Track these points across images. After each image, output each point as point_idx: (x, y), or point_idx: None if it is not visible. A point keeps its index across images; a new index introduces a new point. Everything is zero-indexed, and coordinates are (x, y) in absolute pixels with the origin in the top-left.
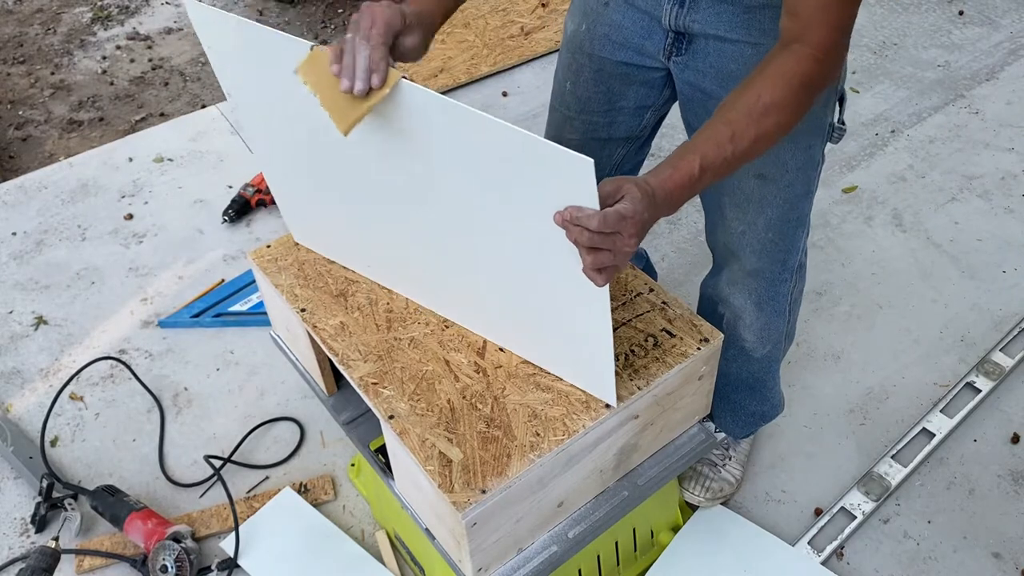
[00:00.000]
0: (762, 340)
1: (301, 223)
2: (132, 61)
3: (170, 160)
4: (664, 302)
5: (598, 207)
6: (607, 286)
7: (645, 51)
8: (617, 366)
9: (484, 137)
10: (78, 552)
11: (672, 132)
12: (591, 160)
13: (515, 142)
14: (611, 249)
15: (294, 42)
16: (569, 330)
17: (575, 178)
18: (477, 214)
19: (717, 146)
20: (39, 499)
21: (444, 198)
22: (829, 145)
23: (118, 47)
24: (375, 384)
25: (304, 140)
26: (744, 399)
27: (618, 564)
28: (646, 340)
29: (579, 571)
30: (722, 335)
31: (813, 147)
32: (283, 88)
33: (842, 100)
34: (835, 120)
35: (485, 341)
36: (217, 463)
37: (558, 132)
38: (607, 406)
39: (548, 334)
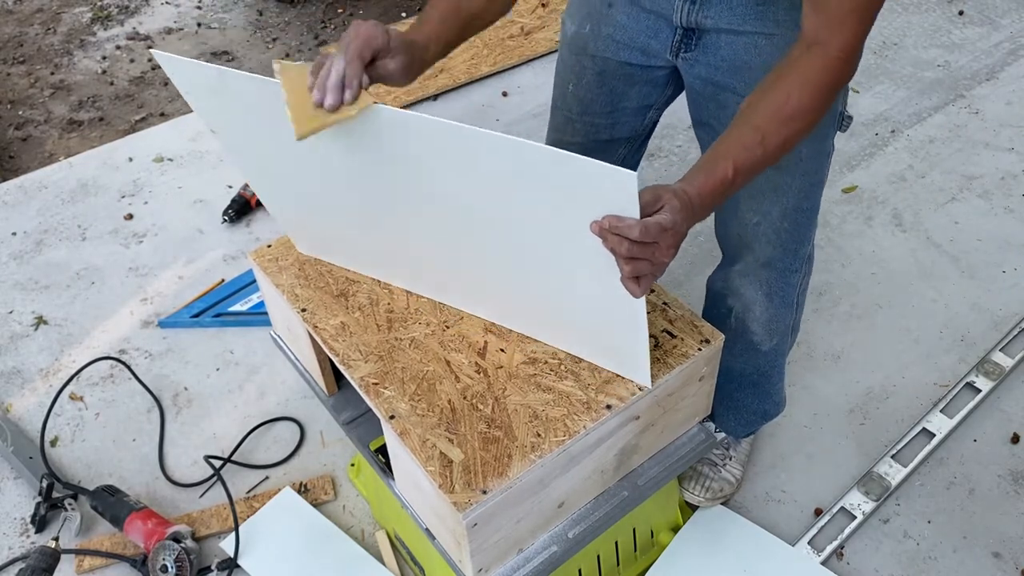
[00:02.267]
0: (770, 333)
1: (305, 238)
2: (132, 61)
3: (170, 160)
4: (665, 303)
5: (638, 217)
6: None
7: (650, 50)
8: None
9: (520, 158)
10: (78, 552)
11: (672, 132)
12: (634, 174)
13: (555, 161)
14: (650, 259)
15: (267, 83)
16: (601, 321)
17: (618, 192)
18: (511, 227)
19: (747, 150)
20: (39, 499)
21: (471, 211)
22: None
23: (118, 47)
24: (376, 384)
25: (301, 166)
26: (747, 397)
27: (618, 564)
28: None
29: (579, 571)
30: (723, 336)
31: (826, 136)
32: (267, 124)
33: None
34: (844, 109)
35: (486, 342)
36: (217, 463)
37: (560, 134)
38: (607, 407)
39: (578, 325)
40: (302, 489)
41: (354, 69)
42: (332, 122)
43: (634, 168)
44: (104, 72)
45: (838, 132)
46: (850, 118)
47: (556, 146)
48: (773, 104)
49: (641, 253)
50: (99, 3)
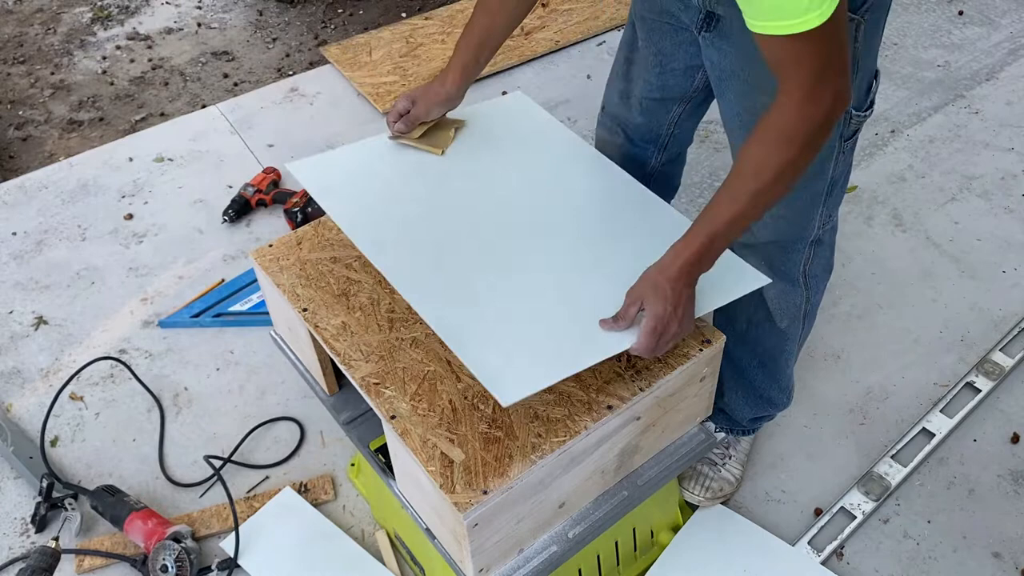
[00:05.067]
0: (779, 312)
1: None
2: (132, 61)
3: (170, 160)
4: None
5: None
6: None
7: (681, 23)
8: (619, 367)
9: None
10: (78, 552)
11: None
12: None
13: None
14: (666, 344)
15: (370, 142)
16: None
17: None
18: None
19: (716, 214)
20: (39, 499)
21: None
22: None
23: (118, 47)
24: (377, 384)
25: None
26: (757, 375)
27: (618, 564)
28: None
29: (579, 571)
30: (724, 336)
31: None
32: (385, 178)
33: (870, 85)
34: (851, 106)
35: None
36: (217, 463)
37: (622, 83)
38: (608, 407)
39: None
40: (302, 489)
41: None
42: (450, 136)
43: (693, 129)
44: (104, 72)
45: (852, 127)
46: (860, 116)
47: (619, 95)
48: (739, 161)
49: (656, 351)
50: (99, 3)
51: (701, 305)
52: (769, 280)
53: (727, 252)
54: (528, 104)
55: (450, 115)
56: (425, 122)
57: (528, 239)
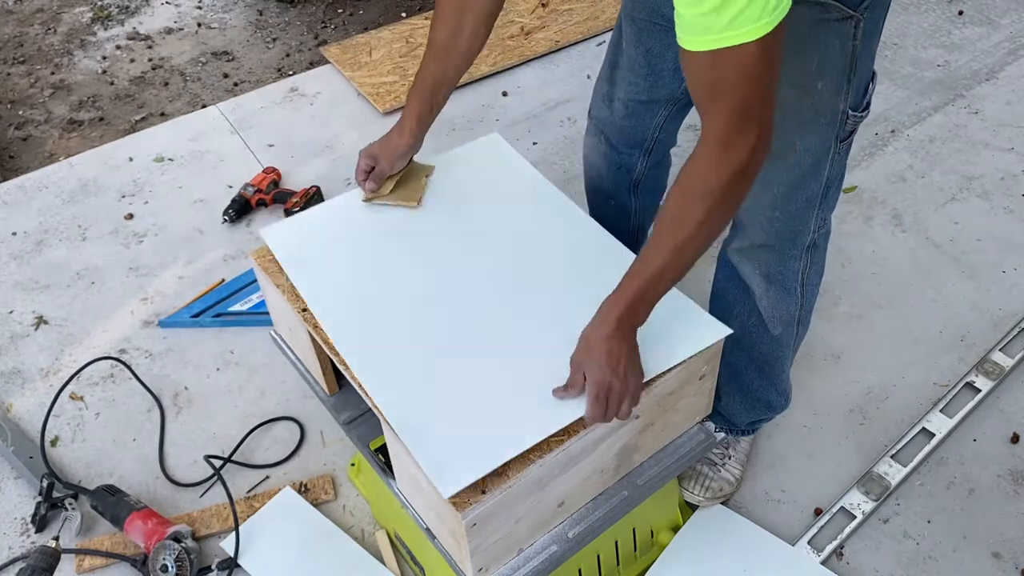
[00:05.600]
0: (773, 319)
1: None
2: (132, 61)
3: (170, 160)
4: None
5: None
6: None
7: (673, 22)
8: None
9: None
10: (78, 552)
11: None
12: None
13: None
14: (616, 406)
15: (343, 199)
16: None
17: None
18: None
19: (643, 267)
20: (39, 499)
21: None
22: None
23: (118, 47)
24: None
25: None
26: (754, 379)
27: (618, 564)
28: None
29: (579, 571)
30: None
31: (821, 129)
32: (356, 237)
33: (867, 86)
34: (847, 107)
35: None
36: (217, 463)
37: (607, 85)
38: None
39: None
40: (302, 489)
41: (360, 177)
42: (422, 186)
43: (674, 133)
44: (104, 72)
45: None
46: (858, 117)
47: (602, 98)
48: (661, 211)
49: (606, 416)
50: (99, 3)
51: (663, 360)
52: (731, 331)
53: (689, 302)
54: (501, 148)
55: (418, 159)
56: (392, 175)
57: (493, 304)
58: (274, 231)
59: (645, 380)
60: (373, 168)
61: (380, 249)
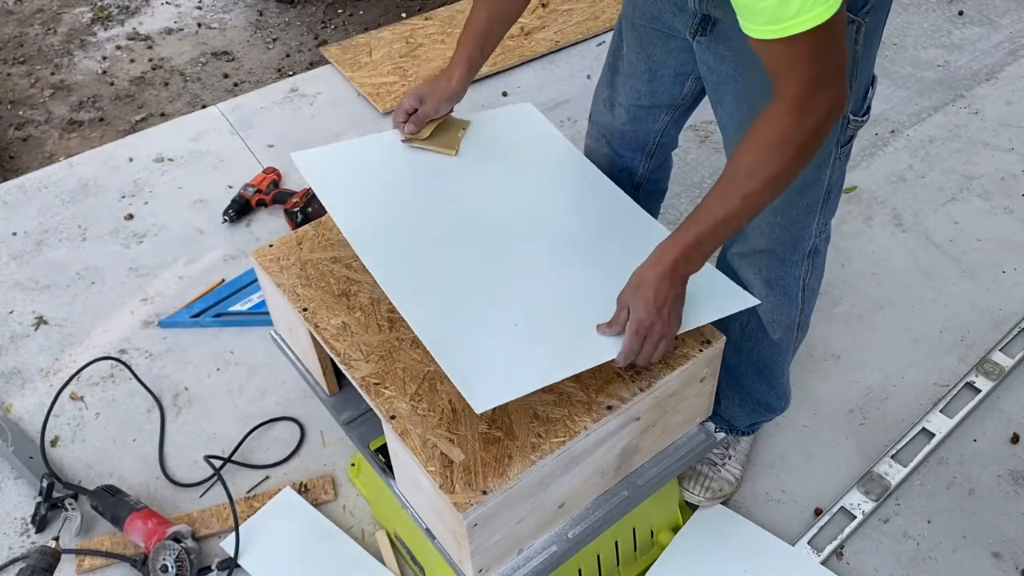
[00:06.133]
0: (772, 324)
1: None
2: (132, 61)
3: (170, 160)
4: None
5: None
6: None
7: (674, 29)
8: (619, 368)
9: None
10: (78, 552)
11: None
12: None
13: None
14: (653, 346)
15: (377, 138)
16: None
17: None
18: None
19: (705, 215)
20: (39, 499)
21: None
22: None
23: (118, 47)
24: (377, 384)
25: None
26: (754, 383)
27: (618, 564)
28: None
29: (579, 571)
30: (724, 337)
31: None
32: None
33: (867, 90)
34: (848, 111)
35: None
36: (217, 463)
37: (608, 90)
38: (608, 408)
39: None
40: (302, 489)
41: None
42: (458, 136)
43: (676, 136)
44: (104, 72)
45: (849, 133)
46: (859, 121)
47: (603, 103)
48: (730, 165)
49: (646, 354)
50: (99, 3)
51: (688, 320)
52: (759, 301)
53: (718, 273)
54: (534, 117)
55: (454, 114)
56: (433, 120)
57: (524, 250)
58: (305, 155)
59: (680, 332)
60: (415, 111)
61: (415, 185)
